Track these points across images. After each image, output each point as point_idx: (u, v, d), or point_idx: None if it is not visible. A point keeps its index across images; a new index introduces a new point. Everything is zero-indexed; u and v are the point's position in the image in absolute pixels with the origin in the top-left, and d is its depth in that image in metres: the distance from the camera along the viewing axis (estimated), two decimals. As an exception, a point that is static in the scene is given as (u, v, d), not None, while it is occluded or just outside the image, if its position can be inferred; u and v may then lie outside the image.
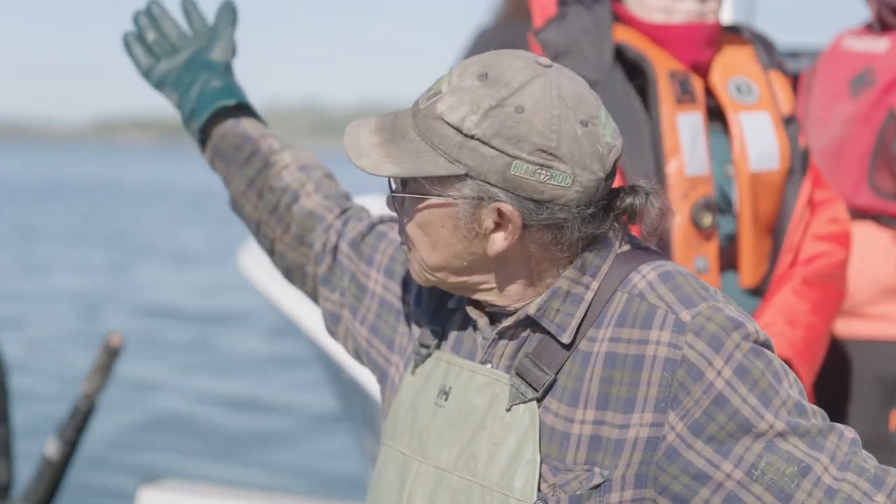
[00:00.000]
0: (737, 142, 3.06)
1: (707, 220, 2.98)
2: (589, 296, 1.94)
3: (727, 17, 4.78)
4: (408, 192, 1.96)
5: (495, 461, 1.92)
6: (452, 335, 2.06)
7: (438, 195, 1.91)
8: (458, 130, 1.88)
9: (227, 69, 2.51)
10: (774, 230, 3.12)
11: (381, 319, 2.22)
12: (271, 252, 2.42)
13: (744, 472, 1.85)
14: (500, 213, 1.90)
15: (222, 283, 20.20)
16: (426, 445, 1.99)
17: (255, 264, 6.26)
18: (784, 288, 3.05)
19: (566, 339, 1.92)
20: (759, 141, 3.07)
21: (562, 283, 1.94)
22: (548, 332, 1.94)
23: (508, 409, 1.93)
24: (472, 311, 2.02)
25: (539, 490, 1.89)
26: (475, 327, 2.03)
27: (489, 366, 1.98)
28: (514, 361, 1.96)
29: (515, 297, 1.98)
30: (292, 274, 2.41)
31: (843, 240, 3.16)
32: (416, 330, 2.14)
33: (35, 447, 5.96)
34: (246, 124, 2.44)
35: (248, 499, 5.77)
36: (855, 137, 3.58)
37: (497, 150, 1.87)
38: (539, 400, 1.92)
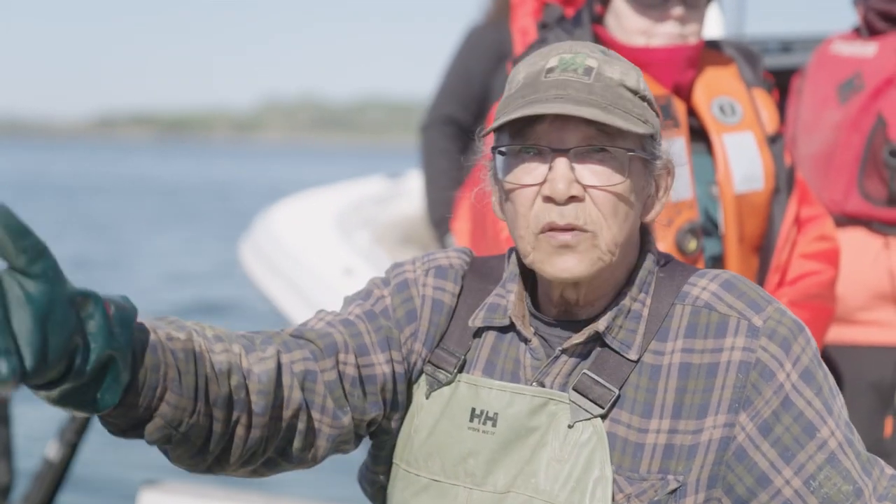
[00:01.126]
0: (721, 163, 3.03)
1: (692, 244, 2.96)
2: (645, 312, 1.98)
3: (716, 22, 4.77)
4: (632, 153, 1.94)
5: (560, 478, 1.92)
6: (481, 357, 2.04)
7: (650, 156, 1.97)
8: (635, 93, 1.94)
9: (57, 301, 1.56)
10: (761, 250, 3.10)
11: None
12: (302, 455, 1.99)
13: (802, 481, 1.89)
14: (669, 170, 2.01)
15: (218, 275, 20.23)
16: (476, 472, 1.98)
17: (254, 256, 6.26)
18: None
19: (634, 356, 1.94)
20: (743, 162, 3.05)
21: (625, 300, 1.97)
22: (610, 348, 1.96)
23: (571, 427, 1.93)
24: (524, 329, 2.01)
25: (614, 501, 1.91)
26: (523, 343, 2.01)
27: (534, 384, 1.97)
28: (569, 378, 1.96)
29: (600, 292, 1.99)
30: (338, 448, 2.03)
31: (831, 258, 3.14)
32: (421, 349, 2.07)
33: (36, 449, 5.98)
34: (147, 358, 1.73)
35: (249, 501, 5.78)
36: (844, 143, 3.56)
37: (655, 112, 1.98)
38: (604, 416, 1.93)
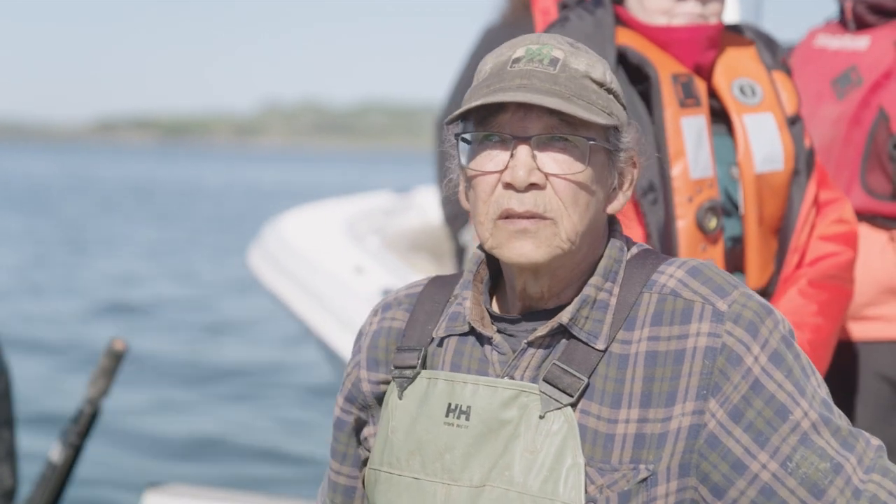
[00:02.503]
0: (741, 143, 3.05)
1: (712, 223, 2.97)
2: (613, 301, 1.98)
3: (732, 15, 4.78)
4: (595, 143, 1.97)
5: (533, 469, 1.93)
6: (446, 357, 2.06)
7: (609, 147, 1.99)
8: (601, 85, 1.96)
9: None
10: (780, 231, 3.11)
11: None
12: None
13: (779, 463, 1.89)
14: (634, 163, 2.02)
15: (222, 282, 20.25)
16: (452, 468, 1.99)
17: (264, 262, 6.27)
18: (790, 290, 3.05)
19: (601, 346, 1.95)
20: (763, 142, 3.06)
21: (589, 290, 1.98)
22: (577, 339, 1.97)
23: (542, 417, 1.94)
24: (484, 329, 2.02)
25: (586, 493, 1.91)
26: (487, 344, 2.02)
27: (507, 378, 1.98)
28: (538, 371, 1.97)
29: (564, 283, 2.01)
30: None
31: (850, 240, 3.15)
32: (365, 374, 2.14)
33: (40, 451, 5.97)
34: None
35: (253, 503, 5.77)
36: (845, 138, 3.55)
37: (622, 105, 2.00)
38: (574, 405, 1.94)
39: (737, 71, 3.11)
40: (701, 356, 1.91)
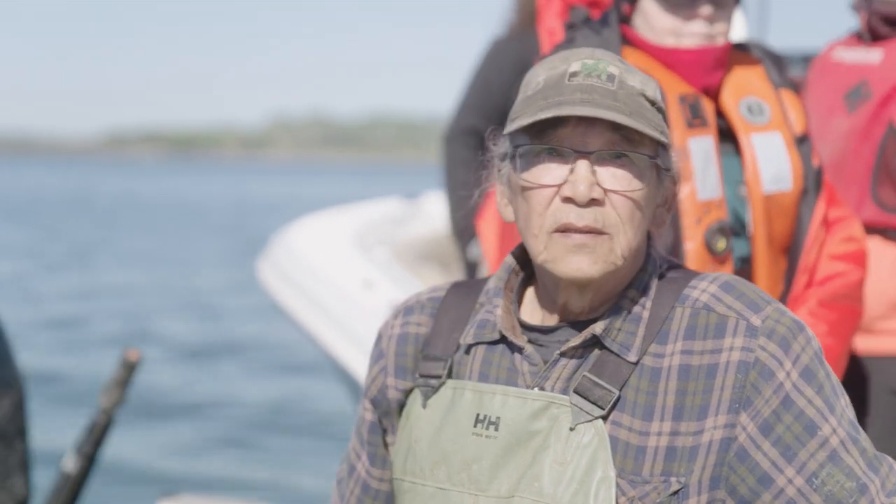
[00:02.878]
0: (749, 164, 3.03)
1: (721, 244, 2.96)
2: (646, 315, 1.98)
3: (740, 30, 4.78)
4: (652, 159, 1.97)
5: (563, 481, 1.92)
6: (474, 366, 2.05)
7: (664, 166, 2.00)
8: (653, 103, 1.97)
9: None
10: (790, 251, 3.10)
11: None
12: None
13: (805, 479, 1.89)
14: (674, 181, 2.03)
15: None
16: (480, 478, 1.98)
17: (274, 274, 6.26)
18: (800, 310, 3.03)
19: (633, 358, 1.95)
20: (771, 162, 3.04)
21: (623, 303, 1.99)
22: (609, 351, 1.96)
23: (572, 429, 1.94)
24: (516, 339, 2.02)
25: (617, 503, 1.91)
26: (517, 353, 2.01)
27: (537, 389, 1.98)
28: (569, 382, 1.97)
29: (605, 298, 2.01)
30: None
31: (859, 259, 3.13)
32: (393, 381, 2.13)
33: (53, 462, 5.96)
34: None
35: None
36: (855, 152, 3.54)
37: (667, 124, 2.01)
38: (605, 417, 1.94)
39: (744, 90, 3.10)
40: (734, 370, 1.91)
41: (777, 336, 1.92)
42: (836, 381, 1.96)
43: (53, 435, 9.24)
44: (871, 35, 3.61)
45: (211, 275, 24.24)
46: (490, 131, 2.07)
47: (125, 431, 9.04)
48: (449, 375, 2.05)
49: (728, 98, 3.08)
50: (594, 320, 1.99)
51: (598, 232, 1.92)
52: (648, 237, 2.04)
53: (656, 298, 1.99)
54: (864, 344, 3.53)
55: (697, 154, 2.97)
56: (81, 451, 5.30)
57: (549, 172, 1.94)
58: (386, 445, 2.17)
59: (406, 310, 2.16)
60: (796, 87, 3.19)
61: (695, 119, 2.98)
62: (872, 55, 3.58)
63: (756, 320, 1.93)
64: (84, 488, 5.31)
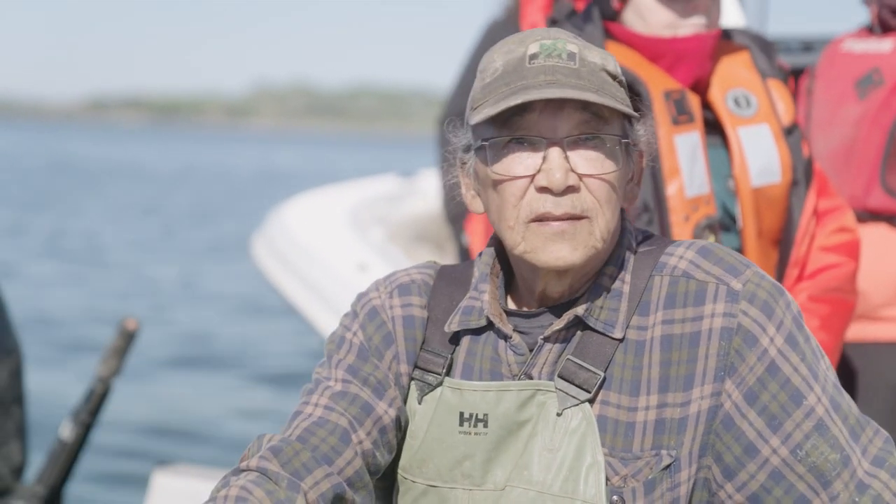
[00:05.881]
0: (737, 157, 2.98)
1: (710, 240, 2.93)
2: (626, 289, 1.96)
3: (733, 15, 4.77)
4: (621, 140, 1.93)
5: (553, 468, 1.92)
6: (458, 361, 2.03)
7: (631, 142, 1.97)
8: (615, 77, 1.93)
9: None
10: (780, 243, 3.05)
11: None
12: None
13: (789, 450, 1.87)
14: (641, 154, 2.00)
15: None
16: (473, 473, 1.97)
17: (267, 252, 6.25)
18: None
19: (618, 334, 1.93)
20: (759, 155, 3.00)
21: (602, 280, 1.96)
22: (593, 330, 1.94)
23: (559, 414, 1.93)
24: (503, 326, 1.99)
25: (610, 483, 1.90)
26: (502, 340, 1.99)
27: (522, 377, 1.96)
28: (555, 366, 1.95)
29: (584, 280, 1.98)
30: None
31: (851, 250, 3.08)
32: (406, 368, 2.06)
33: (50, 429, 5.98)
34: None
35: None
36: (865, 139, 3.53)
37: (630, 97, 1.96)
38: (592, 400, 1.92)
39: (730, 82, 3.04)
40: (717, 337, 1.89)
41: (759, 300, 1.90)
42: (815, 343, 1.94)
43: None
44: (881, 27, 3.65)
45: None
46: (448, 122, 2.02)
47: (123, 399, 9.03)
48: (447, 372, 2.02)
49: (714, 90, 3.03)
50: (574, 301, 1.97)
51: (576, 217, 1.89)
52: (622, 211, 2.02)
53: (634, 271, 1.97)
54: (867, 331, 3.51)
55: (684, 151, 2.92)
56: (78, 419, 5.32)
57: (521, 162, 1.90)
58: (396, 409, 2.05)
59: (401, 288, 2.10)
60: (785, 76, 3.14)
61: (680, 115, 2.93)
62: (884, 45, 3.60)
63: (737, 284, 1.91)
64: (80, 456, 5.33)
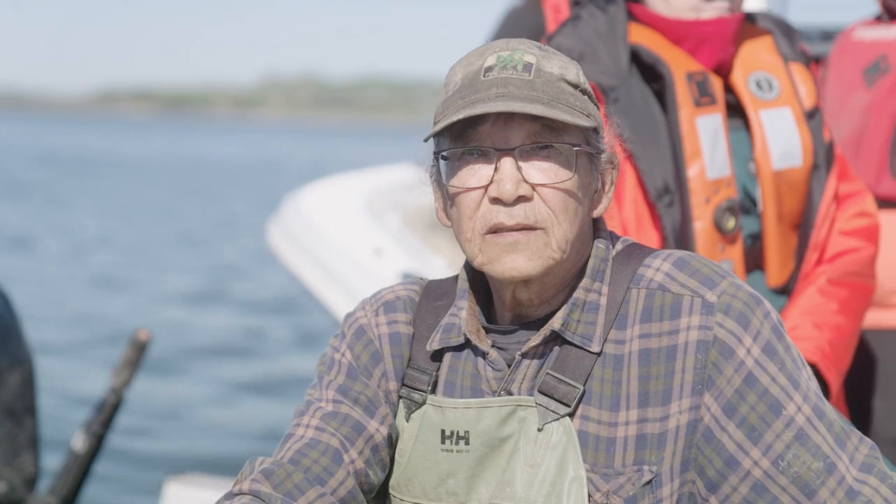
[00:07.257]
0: (758, 141, 2.99)
1: (730, 223, 2.92)
2: (603, 301, 1.95)
3: (759, 8, 4.76)
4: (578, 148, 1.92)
5: (535, 484, 1.92)
6: (441, 379, 2.04)
7: (592, 150, 1.95)
8: (576, 87, 1.93)
9: None
10: (800, 227, 3.05)
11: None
12: None
13: (770, 461, 1.87)
14: (613, 164, 1.98)
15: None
16: (457, 491, 1.98)
17: (284, 238, 6.25)
18: (809, 288, 2.99)
19: (596, 348, 1.93)
20: (780, 138, 3.00)
21: (578, 293, 1.95)
22: (571, 344, 1.94)
23: (540, 429, 1.93)
24: (480, 343, 2.00)
25: (592, 500, 1.90)
26: (481, 357, 2.00)
27: (502, 394, 1.96)
28: (535, 381, 1.95)
29: (554, 289, 1.98)
30: None
31: (871, 234, 3.09)
32: (395, 385, 2.08)
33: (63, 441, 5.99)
34: None
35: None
36: (874, 126, 3.51)
37: (595, 105, 1.95)
38: (572, 414, 1.92)
39: (753, 64, 3.05)
40: (693, 350, 1.88)
41: (734, 311, 1.89)
42: (797, 352, 1.93)
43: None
44: (888, 14, 3.64)
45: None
46: (423, 139, 2.03)
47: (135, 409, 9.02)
48: (433, 390, 2.03)
49: (737, 73, 3.03)
50: (552, 314, 1.97)
51: (530, 228, 1.89)
52: (597, 221, 2.01)
53: (612, 283, 1.96)
54: (879, 319, 3.47)
55: (706, 133, 2.93)
56: (90, 430, 5.33)
57: (475, 174, 1.91)
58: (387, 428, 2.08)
59: (386, 305, 2.12)
60: (808, 60, 3.14)
61: (703, 97, 2.94)
62: (892, 32, 3.58)
63: (711, 296, 1.90)
64: (92, 467, 5.35)
